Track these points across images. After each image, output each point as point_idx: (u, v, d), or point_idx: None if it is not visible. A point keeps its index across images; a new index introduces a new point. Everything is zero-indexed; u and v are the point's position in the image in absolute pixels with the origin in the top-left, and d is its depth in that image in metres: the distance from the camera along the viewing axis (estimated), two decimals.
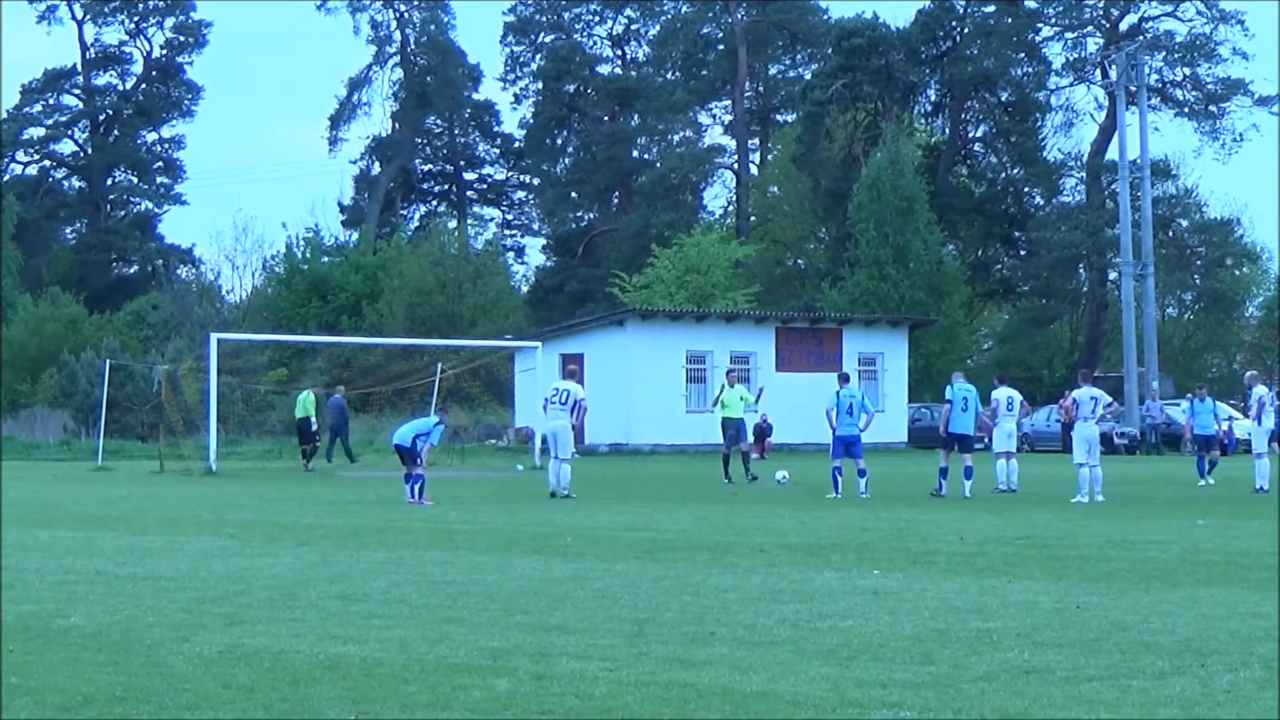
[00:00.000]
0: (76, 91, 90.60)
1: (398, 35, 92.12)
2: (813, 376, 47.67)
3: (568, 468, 25.78)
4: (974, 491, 25.90)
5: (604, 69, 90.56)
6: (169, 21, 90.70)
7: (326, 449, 40.49)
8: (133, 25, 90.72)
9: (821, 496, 25.30)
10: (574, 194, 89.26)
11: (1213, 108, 70.99)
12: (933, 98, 79.13)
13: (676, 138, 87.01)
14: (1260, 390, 27.90)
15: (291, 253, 74.36)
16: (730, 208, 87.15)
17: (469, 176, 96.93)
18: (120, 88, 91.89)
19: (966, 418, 26.57)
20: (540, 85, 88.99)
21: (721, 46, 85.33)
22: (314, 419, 40.18)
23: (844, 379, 27.01)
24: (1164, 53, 70.86)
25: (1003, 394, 28.29)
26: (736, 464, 30.65)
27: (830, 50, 77.02)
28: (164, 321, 64.79)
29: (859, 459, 26.00)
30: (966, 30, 75.04)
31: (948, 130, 78.59)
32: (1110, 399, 26.69)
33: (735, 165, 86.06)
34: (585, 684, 8.59)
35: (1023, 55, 74.67)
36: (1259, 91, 70.32)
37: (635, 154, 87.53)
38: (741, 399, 31.21)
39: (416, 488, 24.52)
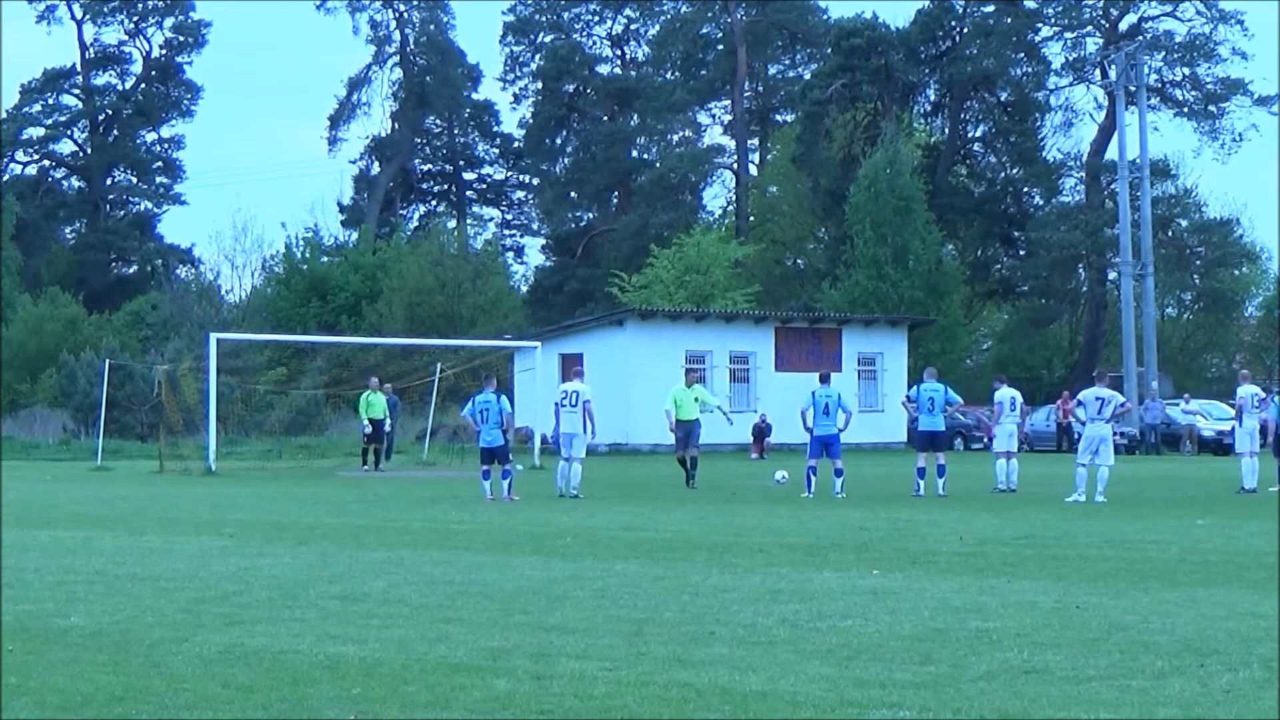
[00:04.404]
0: (76, 91, 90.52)
1: (397, 35, 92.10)
2: (812, 377, 47.13)
3: (579, 467, 25.80)
4: (948, 490, 25.88)
5: (603, 69, 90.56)
6: (168, 21, 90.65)
7: (388, 448, 40.08)
8: (132, 25, 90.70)
9: (820, 496, 25.29)
10: (573, 194, 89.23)
11: (1212, 108, 71.01)
12: (932, 97, 79.11)
13: (676, 138, 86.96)
14: (1244, 390, 27.74)
15: (291, 253, 74.28)
16: (729, 208, 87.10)
17: (468, 176, 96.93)
18: (120, 88, 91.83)
19: (934, 417, 26.49)
20: (540, 85, 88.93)
21: (721, 46, 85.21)
22: (387, 420, 39.03)
23: (823, 379, 26.94)
24: (1163, 53, 70.88)
25: (1005, 394, 28.37)
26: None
27: (829, 50, 76.92)
28: (163, 321, 64.78)
29: (837, 459, 25.96)
30: (966, 30, 75.00)
31: (947, 130, 78.56)
32: (1124, 399, 26.67)
33: (734, 165, 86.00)
34: (584, 684, 8.59)
35: (1022, 55, 74.64)
36: (1258, 91, 70.44)
37: (634, 154, 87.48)
38: (696, 400, 29.33)
39: (507, 484, 24.47)
